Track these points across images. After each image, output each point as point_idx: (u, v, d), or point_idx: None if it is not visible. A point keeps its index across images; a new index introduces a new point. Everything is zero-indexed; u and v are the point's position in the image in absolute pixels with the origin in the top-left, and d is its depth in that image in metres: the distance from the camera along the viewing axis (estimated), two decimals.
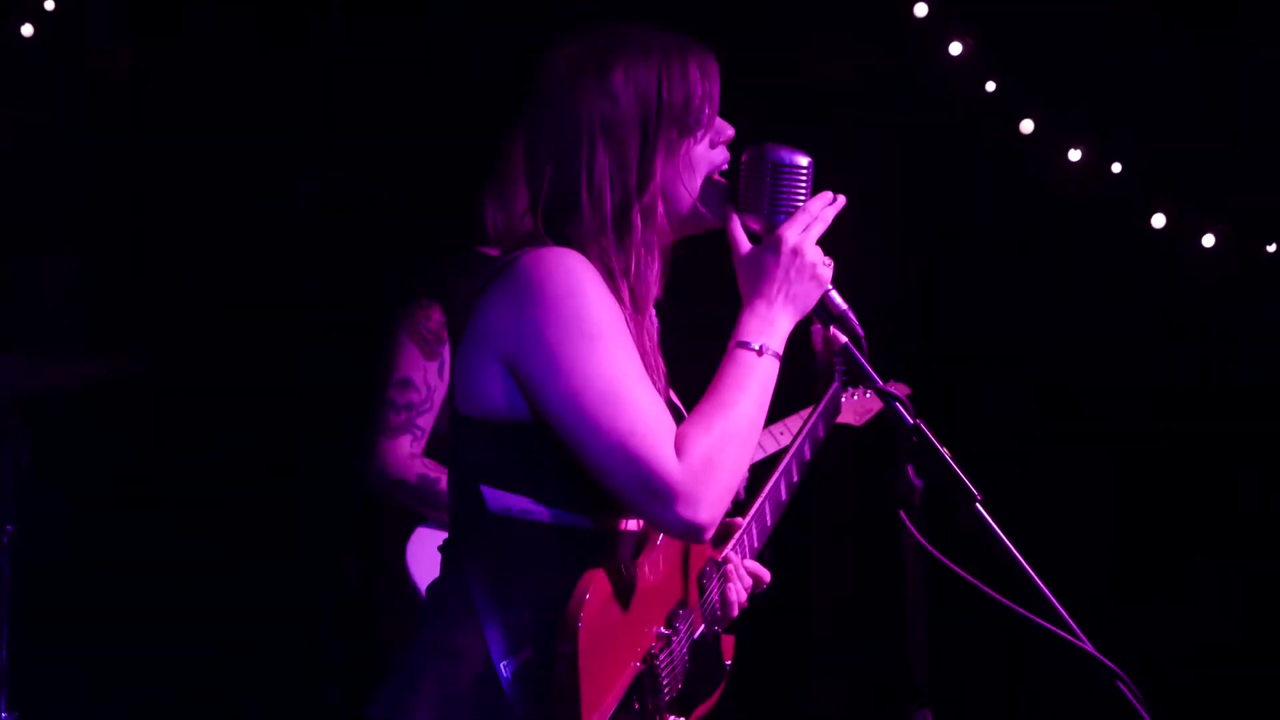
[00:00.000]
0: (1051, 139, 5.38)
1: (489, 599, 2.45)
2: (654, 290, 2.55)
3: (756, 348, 2.49)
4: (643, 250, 2.50)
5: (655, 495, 2.37)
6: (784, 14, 5.46)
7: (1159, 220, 5.38)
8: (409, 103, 5.48)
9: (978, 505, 2.40)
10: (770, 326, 2.51)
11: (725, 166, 2.58)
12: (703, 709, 2.67)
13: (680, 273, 2.64)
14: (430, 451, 4.06)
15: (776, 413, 2.51)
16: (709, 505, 2.39)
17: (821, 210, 2.55)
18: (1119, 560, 5.56)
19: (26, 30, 5.31)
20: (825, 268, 2.55)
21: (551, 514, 2.46)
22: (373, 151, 5.46)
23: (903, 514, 2.42)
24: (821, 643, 5.78)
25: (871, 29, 5.48)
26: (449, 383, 3.99)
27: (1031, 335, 5.66)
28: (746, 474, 2.60)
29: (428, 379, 4.03)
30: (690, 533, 2.41)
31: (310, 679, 5.43)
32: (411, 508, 4.04)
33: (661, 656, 2.53)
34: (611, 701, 2.44)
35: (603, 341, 2.40)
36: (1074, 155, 5.38)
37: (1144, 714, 2.32)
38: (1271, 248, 5.35)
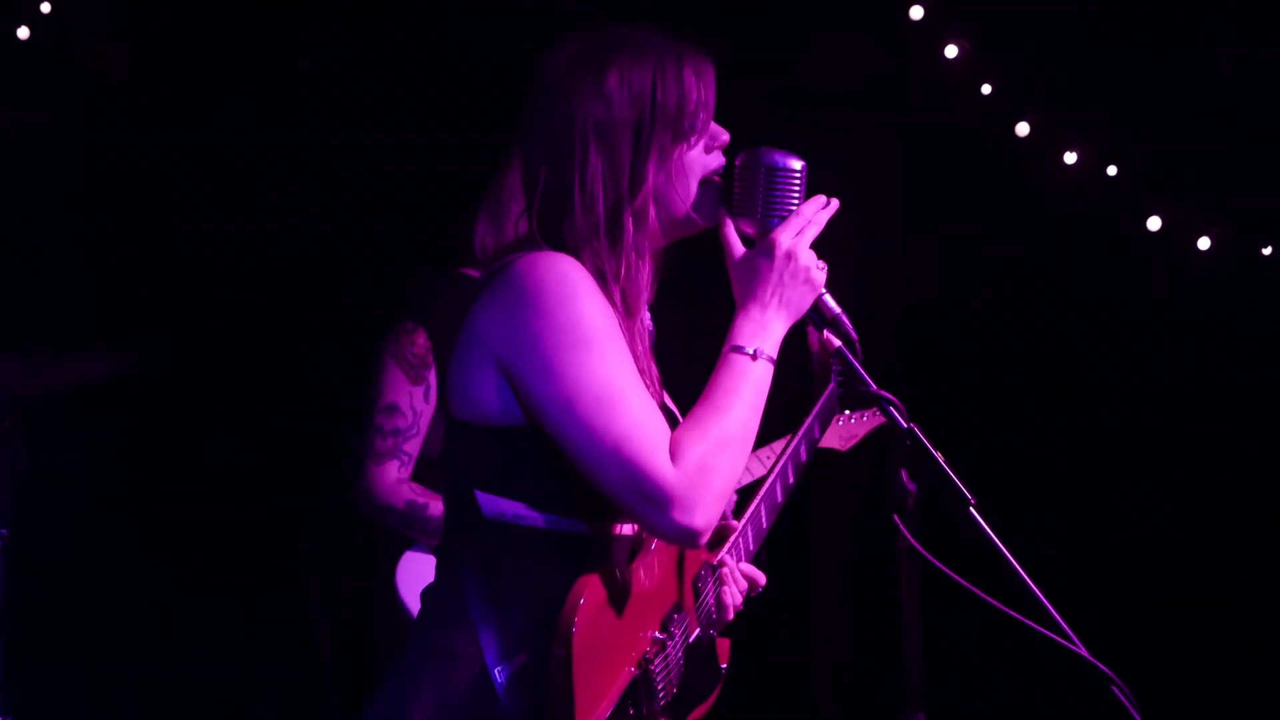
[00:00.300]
0: (1047, 142, 5.38)
1: (484, 604, 2.45)
2: (645, 293, 2.54)
3: (750, 352, 2.49)
4: (634, 254, 2.50)
5: (650, 500, 2.37)
6: (781, 15, 5.46)
7: (1155, 223, 5.38)
8: (407, 104, 5.49)
9: (971, 509, 2.40)
10: (764, 331, 2.51)
11: (720, 171, 2.58)
12: (698, 712, 2.67)
13: (675, 275, 2.64)
14: (418, 476, 4.06)
15: (770, 415, 2.50)
16: (704, 510, 2.39)
17: (815, 214, 2.55)
18: (1116, 563, 5.56)
19: (23, 33, 5.31)
20: (819, 271, 2.54)
21: (546, 519, 2.45)
22: (370, 152, 5.46)
23: (896, 518, 2.42)
24: (816, 646, 5.78)
25: (869, 31, 5.49)
26: (435, 406, 4.02)
27: (1028, 337, 5.66)
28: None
29: (414, 404, 4.02)
30: (685, 538, 2.41)
31: (309, 683, 5.43)
32: (400, 533, 4.04)
33: (656, 661, 2.53)
34: (606, 707, 2.43)
35: (596, 346, 2.39)
36: (1070, 158, 5.38)
37: (1137, 718, 2.33)
38: (1268, 250, 5.35)
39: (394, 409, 4.02)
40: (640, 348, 2.54)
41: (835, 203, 2.58)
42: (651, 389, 2.51)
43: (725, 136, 2.58)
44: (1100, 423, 5.60)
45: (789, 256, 2.51)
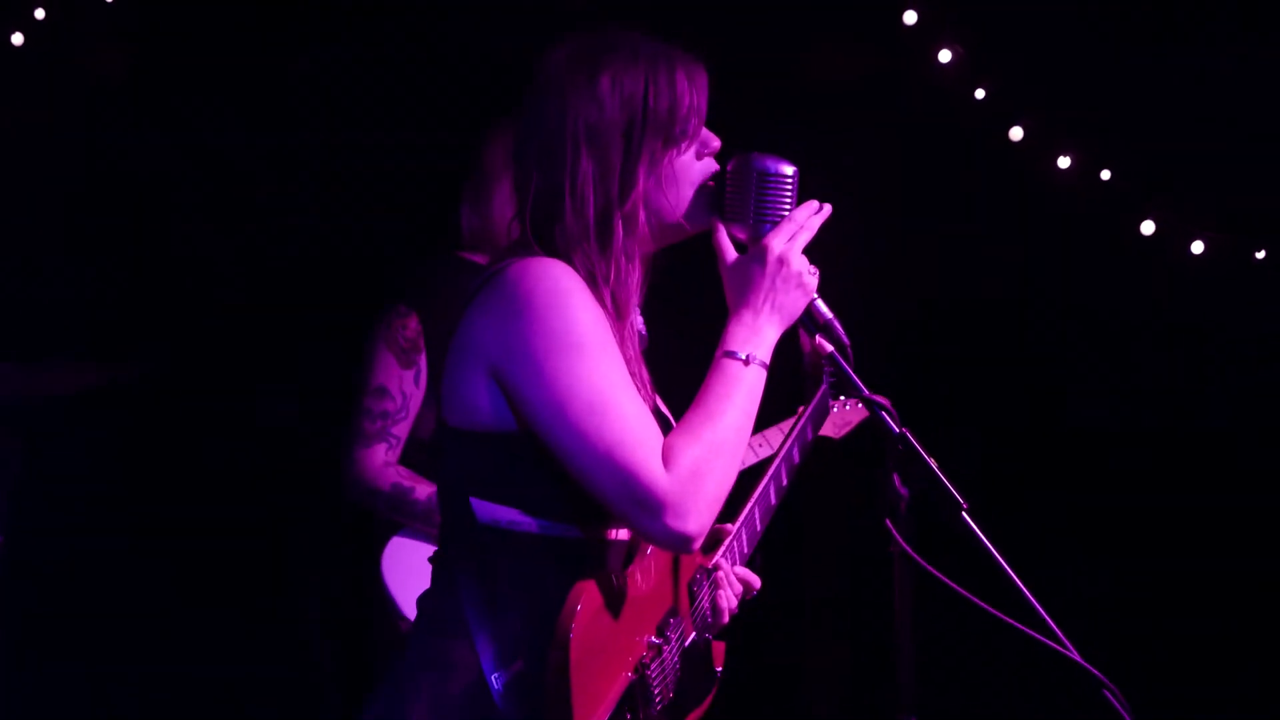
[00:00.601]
0: (1041, 146, 5.39)
1: (480, 611, 2.45)
2: (635, 297, 2.55)
3: (743, 357, 2.50)
4: (624, 257, 2.50)
5: (643, 506, 2.37)
6: (777, 19, 5.47)
7: (1148, 227, 5.39)
8: (406, 104, 5.50)
9: (964, 514, 2.41)
10: (757, 336, 2.52)
11: (711, 176, 2.59)
12: (694, 716, 2.68)
13: (669, 278, 2.65)
14: (409, 457, 4.05)
15: (764, 420, 2.51)
16: (697, 516, 2.39)
17: (807, 219, 2.56)
18: (1114, 565, 5.56)
19: (17, 39, 5.31)
20: (811, 276, 2.55)
21: (540, 525, 2.46)
22: (369, 153, 5.47)
23: (889, 522, 2.43)
24: (810, 649, 5.78)
25: (863, 35, 5.49)
26: (425, 390, 4.02)
27: (1024, 341, 5.67)
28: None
29: (404, 387, 4.03)
30: (678, 543, 2.41)
31: (308, 684, 5.43)
32: (387, 517, 4.03)
33: (653, 666, 2.54)
34: (603, 713, 2.43)
35: (589, 352, 2.40)
36: (1063, 162, 5.38)
37: None
38: (1260, 254, 5.36)
39: (383, 392, 4.02)
40: (632, 351, 2.54)
41: (827, 208, 2.58)
42: (643, 393, 2.52)
43: (717, 143, 2.59)
44: (1098, 425, 5.60)
45: (781, 262, 2.52)
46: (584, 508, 2.45)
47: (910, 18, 5.39)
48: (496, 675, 2.42)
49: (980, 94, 5.38)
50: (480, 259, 4.06)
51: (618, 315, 2.50)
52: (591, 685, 2.41)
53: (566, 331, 2.40)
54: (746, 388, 2.49)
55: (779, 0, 5.46)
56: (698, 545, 2.44)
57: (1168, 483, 5.49)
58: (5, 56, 5.28)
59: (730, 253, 2.57)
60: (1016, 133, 5.38)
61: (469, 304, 2.48)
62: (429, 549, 3.85)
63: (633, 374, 2.49)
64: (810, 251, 2.55)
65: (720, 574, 2.76)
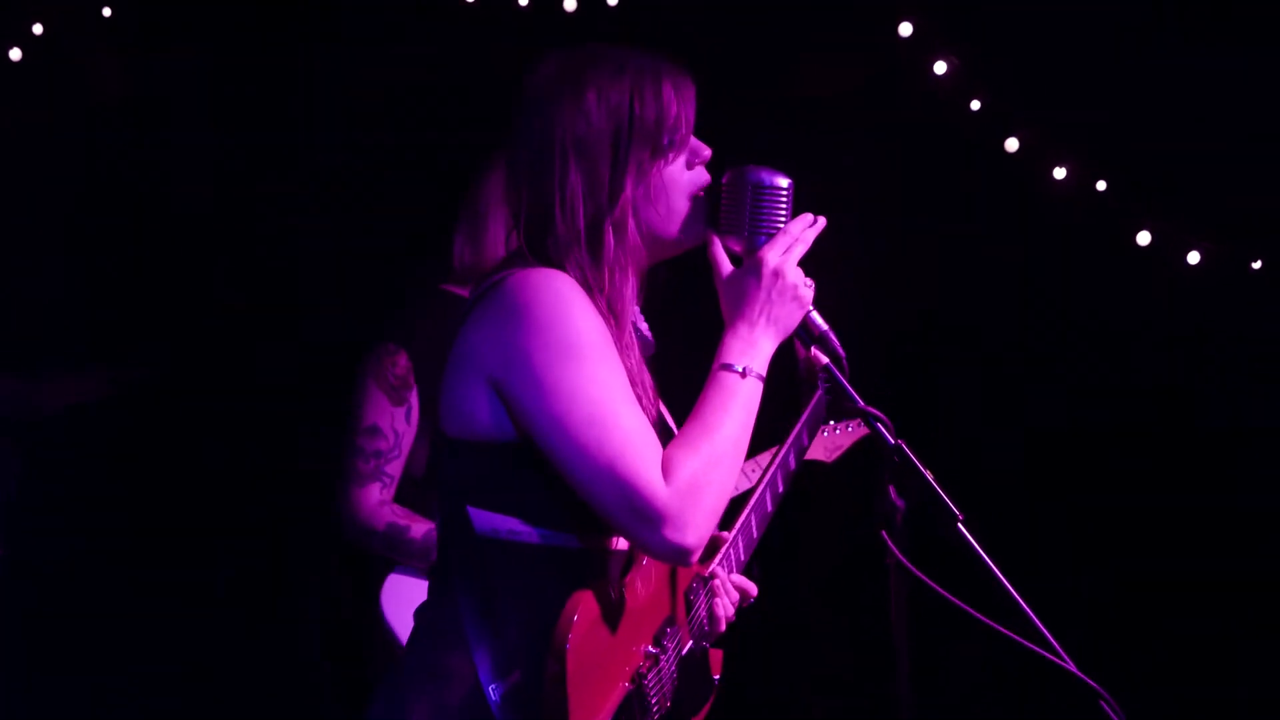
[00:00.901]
0: (1037, 157, 5.40)
1: (477, 621, 2.45)
2: (631, 305, 2.55)
3: (740, 370, 2.50)
4: (616, 268, 2.51)
5: (642, 518, 2.38)
6: (773, 30, 5.48)
7: (1144, 238, 5.39)
8: (406, 104, 5.51)
9: (959, 525, 2.41)
10: (753, 349, 2.52)
11: (704, 187, 2.59)
12: None
13: (674, 285, 2.66)
14: (403, 494, 4.04)
15: (761, 429, 2.51)
16: (696, 528, 2.40)
17: (802, 232, 2.56)
18: (1113, 570, 5.56)
19: (15, 54, 5.32)
20: (806, 289, 2.56)
21: (539, 534, 2.46)
22: (367, 151, 5.49)
23: (885, 534, 2.43)
24: (807, 657, 5.78)
25: (859, 46, 5.51)
26: (418, 427, 4.01)
27: (1026, 344, 5.67)
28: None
29: (395, 425, 4.00)
30: (677, 555, 2.42)
31: (306, 694, 5.43)
32: (383, 556, 4.02)
33: (650, 676, 2.54)
34: None
35: (589, 362, 2.40)
36: (1059, 173, 5.39)
37: None
38: (1257, 264, 5.36)
39: (375, 431, 4.00)
40: (634, 360, 2.54)
41: (822, 220, 2.59)
42: (646, 401, 2.52)
43: (707, 152, 2.59)
44: (1097, 431, 5.61)
45: (777, 274, 2.53)
46: (584, 518, 2.45)
47: (905, 29, 5.40)
48: (494, 686, 2.43)
49: (976, 105, 5.39)
50: (469, 293, 4.04)
51: (615, 324, 2.50)
52: (589, 696, 2.41)
53: (566, 341, 2.40)
54: (743, 400, 2.49)
55: (775, 12, 5.47)
56: (696, 557, 2.45)
57: (1166, 487, 5.50)
58: (3, 71, 5.29)
59: (725, 265, 2.57)
60: (1012, 144, 5.39)
61: (467, 314, 2.49)
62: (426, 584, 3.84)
63: (635, 382, 2.50)
64: (805, 264, 2.56)
65: (717, 582, 2.75)
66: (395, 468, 4.01)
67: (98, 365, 4.90)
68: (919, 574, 2.41)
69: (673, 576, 2.65)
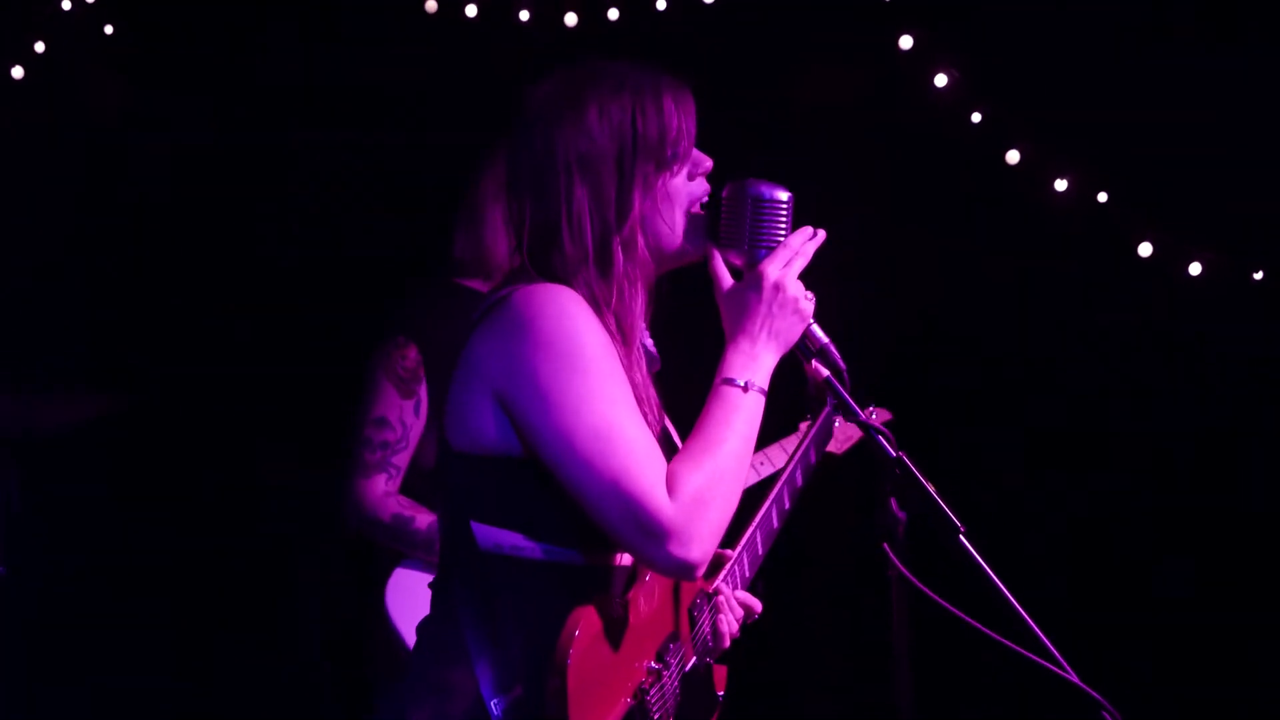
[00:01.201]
0: (1038, 169, 5.40)
1: (480, 636, 2.46)
2: (640, 321, 2.56)
3: (742, 384, 2.51)
4: (625, 283, 2.51)
5: (647, 533, 2.38)
6: (774, 43, 5.50)
7: (1145, 249, 5.40)
8: (405, 105, 5.53)
9: (961, 537, 2.41)
10: (754, 363, 2.52)
11: (705, 198, 2.60)
12: None
13: (679, 298, 2.66)
14: (410, 485, 4.04)
15: (764, 442, 2.52)
16: (700, 543, 2.40)
17: (802, 245, 2.57)
18: (1113, 577, 5.56)
19: (17, 73, 5.33)
20: (807, 302, 2.56)
21: (543, 550, 2.46)
22: (366, 151, 5.50)
23: (886, 546, 2.43)
24: (809, 671, 5.78)
25: (860, 59, 5.52)
26: (426, 420, 4.01)
27: (1027, 354, 5.67)
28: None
29: (404, 418, 4.01)
30: (682, 571, 2.42)
31: (308, 712, 5.43)
32: (388, 547, 4.02)
33: (652, 692, 2.53)
34: None
35: (594, 377, 2.41)
36: (1060, 185, 5.40)
37: None
38: (1259, 275, 5.37)
39: (383, 422, 4.00)
40: (640, 375, 2.55)
41: (822, 233, 2.59)
42: (651, 417, 2.52)
43: (708, 163, 2.60)
44: (1097, 438, 5.61)
45: (777, 288, 2.53)
46: (587, 533, 2.45)
47: (906, 42, 5.41)
48: (496, 701, 2.43)
49: (977, 117, 5.40)
50: (477, 284, 4.06)
51: (624, 340, 2.51)
52: (590, 711, 2.40)
53: (572, 356, 2.40)
54: (746, 414, 2.50)
55: (774, 25, 5.48)
56: (700, 573, 2.45)
57: (1166, 489, 5.50)
58: (5, 90, 5.30)
59: (726, 279, 2.58)
60: (1013, 156, 5.39)
61: (474, 329, 2.49)
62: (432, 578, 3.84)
63: (641, 398, 2.50)
64: (806, 277, 2.56)
65: (721, 598, 2.75)
66: (402, 459, 4.01)
67: (95, 386, 4.90)
68: (920, 586, 2.41)
69: (676, 592, 2.65)
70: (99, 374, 5.31)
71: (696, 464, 2.43)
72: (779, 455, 4.20)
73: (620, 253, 2.51)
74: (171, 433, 5.39)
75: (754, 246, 2.55)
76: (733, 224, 2.56)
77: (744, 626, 2.80)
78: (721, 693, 2.77)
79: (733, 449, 2.46)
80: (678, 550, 2.38)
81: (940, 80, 5.38)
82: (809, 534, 5.33)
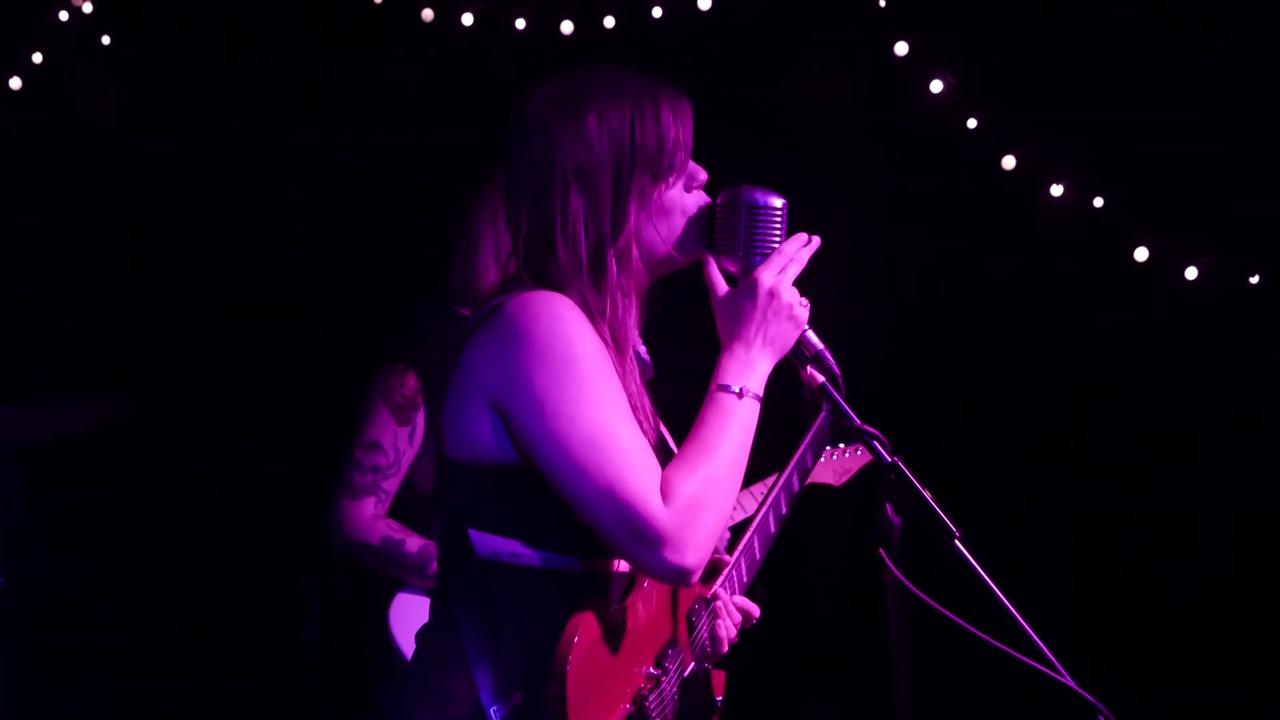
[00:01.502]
0: (1034, 174, 5.41)
1: (479, 643, 2.46)
2: (634, 331, 2.56)
3: (737, 390, 2.51)
4: (619, 293, 2.52)
5: (642, 540, 2.38)
6: (770, 50, 5.51)
7: (1142, 254, 5.41)
8: (407, 105, 5.55)
9: (956, 542, 2.42)
10: (749, 369, 2.53)
11: (700, 208, 2.60)
12: None
13: (673, 305, 2.66)
14: (403, 512, 4.00)
15: (759, 449, 2.52)
16: (695, 549, 2.40)
17: (797, 251, 2.57)
18: (1113, 583, 5.56)
19: (15, 84, 5.34)
20: (802, 308, 2.57)
21: (540, 557, 2.46)
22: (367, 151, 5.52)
23: (882, 552, 2.44)
24: (806, 677, 5.78)
25: (855, 66, 5.53)
26: (421, 446, 4.00)
27: (1019, 368, 5.68)
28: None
29: (397, 444, 3.98)
30: (677, 576, 2.42)
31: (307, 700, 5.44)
32: (376, 570, 4.00)
33: (651, 697, 2.53)
34: None
35: (589, 385, 2.41)
36: (1056, 190, 5.41)
37: None
38: (1255, 279, 5.37)
39: (376, 446, 3.98)
40: (634, 384, 2.55)
41: (816, 240, 2.60)
42: (646, 424, 2.53)
43: (703, 175, 2.60)
44: (1097, 444, 5.62)
45: (772, 295, 2.54)
46: (585, 540, 2.45)
47: (901, 48, 5.42)
48: (495, 708, 2.43)
49: (972, 123, 5.41)
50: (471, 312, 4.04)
51: (618, 349, 2.51)
52: (590, 717, 2.41)
53: (567, 363, 2.41)
54: (741, 421, 2.50)
55: (771, 31, 5.49)
56: (696, 578, 2.45)
57: (1166, 492, 5.51)
58: (4, 101, 5.31)
59: (721, 286, 2.58)
60: (1009, 161, 5.40)
61: (469, 338, 2.49)
62: None
63: (635, 406, 2.50)
64: (801, 283, 2.57)
65: (719, 604, 2.76)
66: (392, 485, 3.99)
67: (96, 391, 4.90)
68: (916, 591, 2.42)
69: (674, 598, 2.65)
70: (99, 377, 5.31)
71: (691, 470, 2.43)
72: (750, 503, 4.17)
73: (614, 264, 2.51)
74: (172, 434, 5.39)
75: (749, 253, 2.55)
76: (727, 231, 2.56)
77: (742, 632, 2.80)
78: (720, 698, 2.77)
79: (728, 455, 2.47)
80: (673, 556, 2.39)
81: (936, 86, 5.39)
82: (806, 539, 5.35)
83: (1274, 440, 5.44)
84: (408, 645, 3.92)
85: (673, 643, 2.63)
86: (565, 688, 2.37)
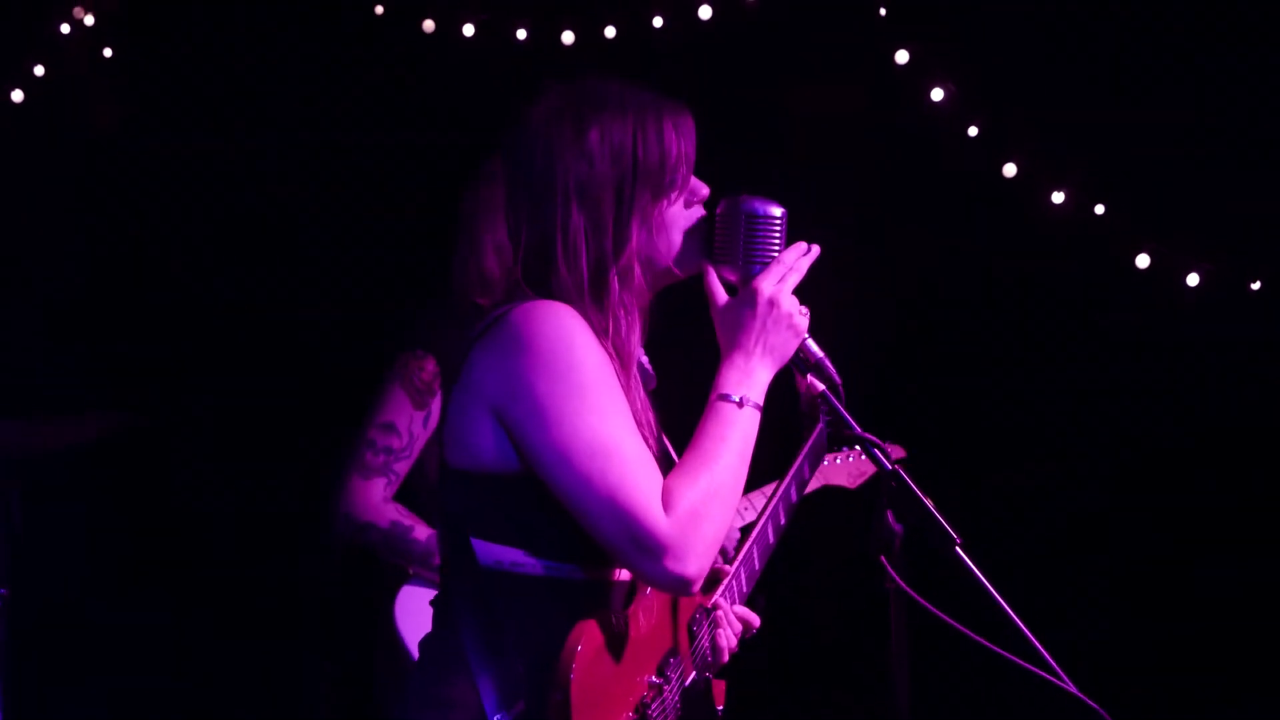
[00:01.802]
0: (1035, 182, 5.41)
1: (481, 652, 2.46)
2: (637, 348, 2.57)
3: (737, 400, 2.51)
4: (621, 311, 2.52)
5: (642, 548, 2.39)
6: (770, 58, 5.52)
7: (1143, 260, 5.41)
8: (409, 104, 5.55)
9: (958, 549, 2.42)
10: (749, 378, 2.53)
11: (698, 222, 2.60)
12: None
13: (675, 316, 2.67)
14: (411, 499, 3.98)
15: (759, 459, 2.52)
16: (696, 558, 2.41)
17: (796, 260, 2.58)
18: (1114, 589, 5.56)
19: (17, 96, 5.34)
20: (802, 317, 2.57)
21: (543, 565, 2.47)
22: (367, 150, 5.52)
23: (883, 559, 2.44)
24: (807, 685, 5.78)
25: (856, 74, 5.53)
26: (434, 432, 3.98)
27: (1018, 375, 5.68)
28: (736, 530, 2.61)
29: (412, 427, 3.95)
30: (678, 585, 2.43)
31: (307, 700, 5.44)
32: (376, 553, 3.96)
33: (653, 706, 2.53)
34: None
35: (591, 394, 2.42)
36: (1057, 198, 5.41)
37: None
38: (1256, 285, 5.37)
39: (391, 428, 3.93)
40: (638, 396, 2.56)
41: (816, 249, 2.60)
42: (649, 436, 2.53)
43: (705, 191, 2.60)
44: (1096, 440, 5.62)
45: (772, 304, 2.54)
46: (587, 548, 2.46)
47: (902, 56, 5.43)
48: (498, 716, 2.43)
49: (973, 131, 5.41)
50: (487, 301, 4.04)
51: (621, 365, 2.52)
52: None
53: (570, 373, 2.41)
54: (741, 430, 2.50)
55: (773, 41, 5.50)
56: (696, 587, 2.46)
57: (1166, 494, 5.51)
58: (5, 113, 5.32)
59: (721, 295, 2.59)
60: (1010, 169, 5.41)
61: (473, 345, 2.50)
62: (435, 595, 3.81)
63: (641, 422, 2.51)
64: (800, 292, 2.57)
65: (719, 613, 2.75)
66: (403, 468, 3.93)
67: (97, 407, 4.91)
68: (918, 598, 2.42)
69: (675, 608, 2.65)
70: (101, 389, 5.31)
71: (692, 479, 2.43)
72: (759, 500, 4.15)
73: (616, 281, 2.52)
74: (173, 435, 5.39)
75: (748, 262, 2.56)
76: (727, 240, 2.56)
77: (742, 641, 2.80)
78: (720, 707, 2.77)
79: (728, 464, 2.47)
80: (673, 565, 2.39)
81: (937, 94, 5.40)
82: (807, 548, 5.35)
83: (1275, 441, 5.45)
84: (413, 639, 3.91)
85: (674, 652, 2.63)
86: (569, 696, 2.37)
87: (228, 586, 5.38)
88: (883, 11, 5.43)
